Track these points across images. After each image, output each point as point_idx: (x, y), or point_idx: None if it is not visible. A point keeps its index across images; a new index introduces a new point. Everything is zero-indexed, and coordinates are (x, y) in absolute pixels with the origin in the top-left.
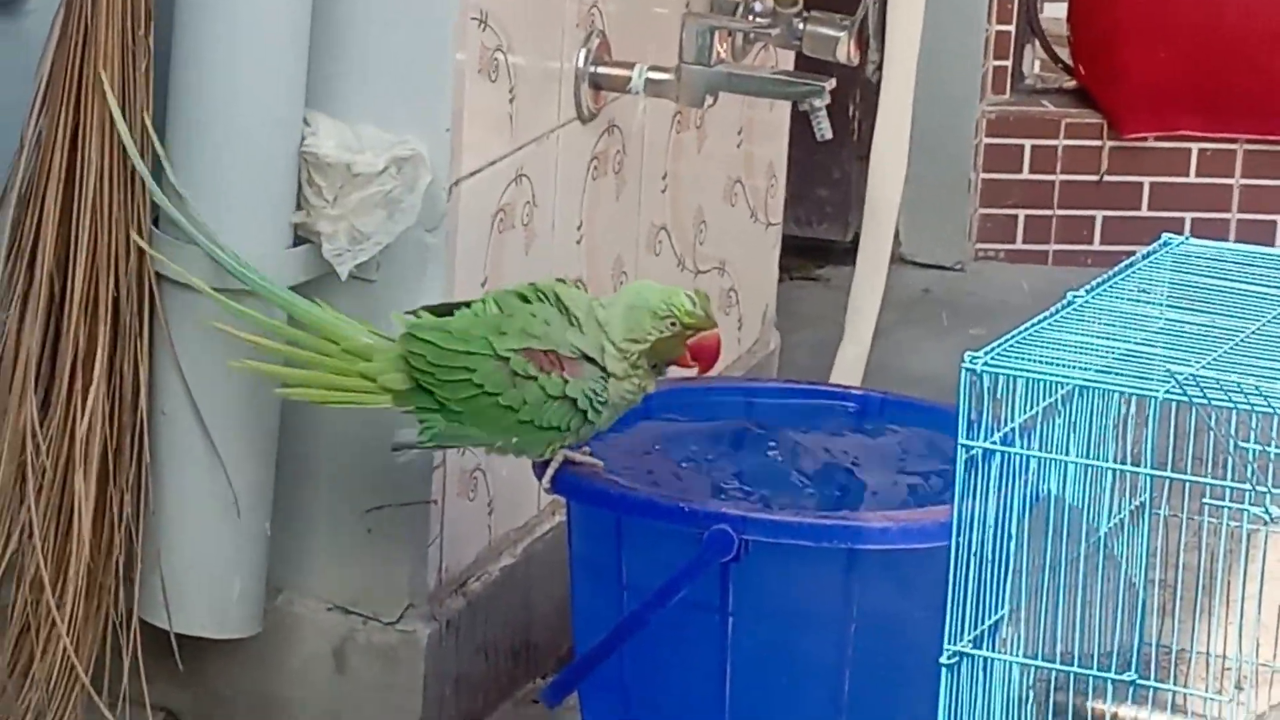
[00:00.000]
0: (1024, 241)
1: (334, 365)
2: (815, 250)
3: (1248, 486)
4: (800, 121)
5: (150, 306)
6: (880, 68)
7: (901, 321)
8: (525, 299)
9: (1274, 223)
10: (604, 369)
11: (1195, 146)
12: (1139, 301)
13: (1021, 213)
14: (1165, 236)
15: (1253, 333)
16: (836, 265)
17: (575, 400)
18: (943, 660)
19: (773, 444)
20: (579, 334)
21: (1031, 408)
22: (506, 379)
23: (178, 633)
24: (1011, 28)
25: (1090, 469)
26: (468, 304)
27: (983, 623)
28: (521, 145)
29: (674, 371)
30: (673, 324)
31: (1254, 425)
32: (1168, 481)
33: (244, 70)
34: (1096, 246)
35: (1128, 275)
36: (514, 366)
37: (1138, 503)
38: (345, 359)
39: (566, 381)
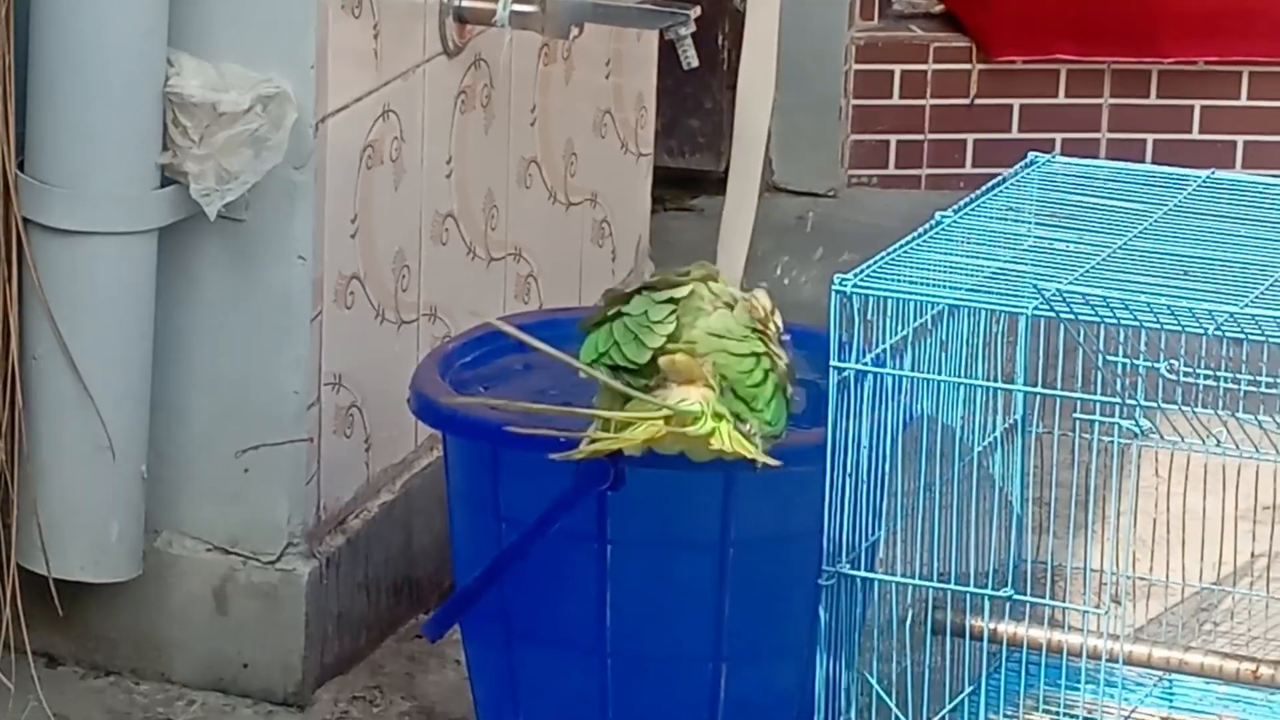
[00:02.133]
0: (896, 167)
1: None
2: (689, 181)
3: (1118, 400)
4: (670, 52)
5: (19, 251)
6: None
7: (776, 249)
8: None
9: (1143, 141)
10: None
11: (1064, 68)
12: (1007, 220)
13: (893, 138)
14: (1032, 155)
15: (1119, 247)
16: (710, 195)
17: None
18: (821, 581)
19: None
20: None
21: (902, 329)
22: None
23: (56, 578)
24: None
25: (963, 388)
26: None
27: (860, 544)
28: (387, 81)
29: None
30: None
31: (1122, 339)
32: (1039, 399)
33: (106, 11)
34: (968, 170)
35: (996, 195)
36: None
37: (1011, 421)
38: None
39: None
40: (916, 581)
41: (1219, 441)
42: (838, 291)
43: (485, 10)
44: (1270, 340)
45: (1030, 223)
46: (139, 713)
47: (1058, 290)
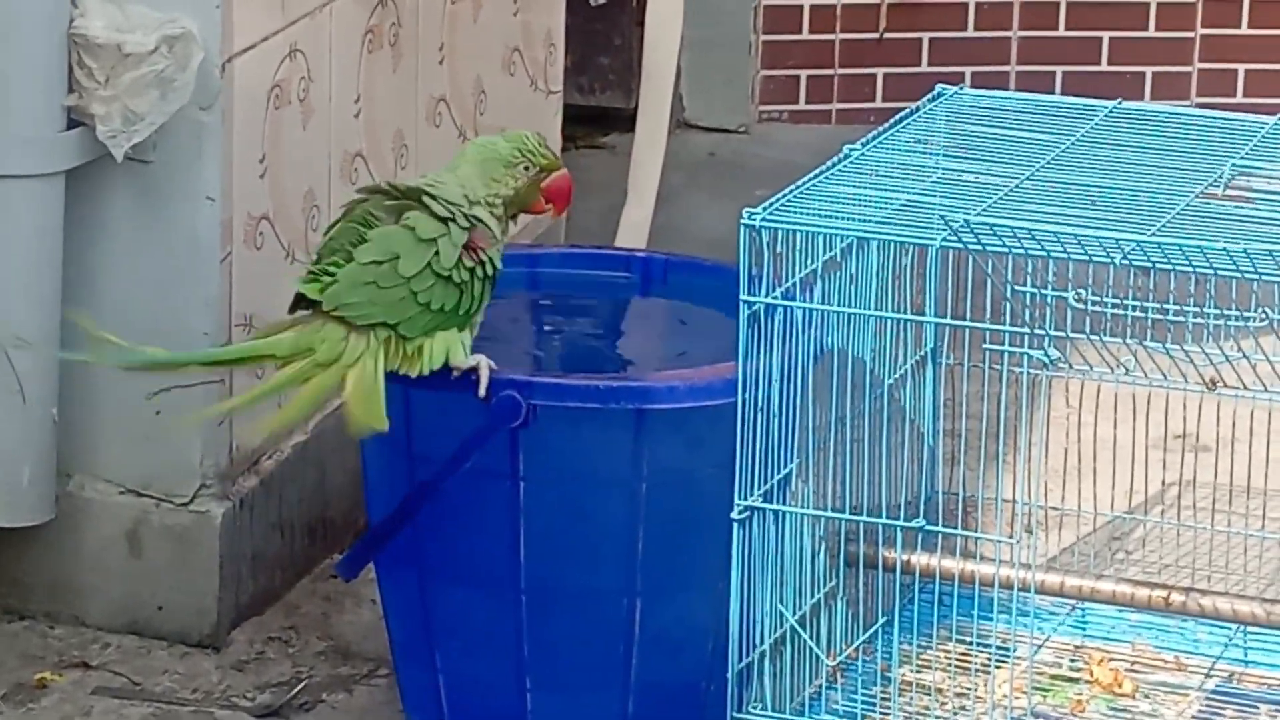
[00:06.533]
0: (807, 102)
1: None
2: (600, 118)
3: (1026, 330)
4: None
5: None
6: None
7: (688, 185)
8: (368, 219)
9: (1053, 73)
10: (492, 231)
11: (972, 0)
12: (915, 153)
13: (803, 73)
14: (940, 88)
15: (1027, 178)
16: (621, 132)
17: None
18: (734, 515)
19: (558, 307)
20: (466, 205)
21: (812, 262)
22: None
23: None
24: None
25: (874, 321)
26: (328, 272)
27: (773, 477)
28: (294, 20)
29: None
30: (527, 169)
31: (1030, 270)
32: (949, 330)
33: None
34: (879, 104)
35: (904, 128)
36: (455, 277)
37: (922, 353)
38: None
39: (488, 259)
40: (829, 514)
41: (1128, 370)
42: (747, 225)
43: None
44: (1177, 268)
45: (938, 155)
46: (54, 656)
47: (965, 221)
